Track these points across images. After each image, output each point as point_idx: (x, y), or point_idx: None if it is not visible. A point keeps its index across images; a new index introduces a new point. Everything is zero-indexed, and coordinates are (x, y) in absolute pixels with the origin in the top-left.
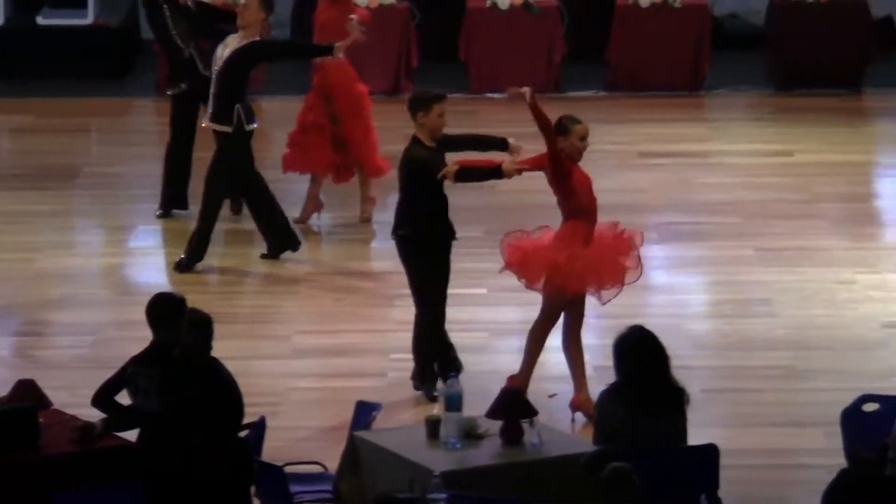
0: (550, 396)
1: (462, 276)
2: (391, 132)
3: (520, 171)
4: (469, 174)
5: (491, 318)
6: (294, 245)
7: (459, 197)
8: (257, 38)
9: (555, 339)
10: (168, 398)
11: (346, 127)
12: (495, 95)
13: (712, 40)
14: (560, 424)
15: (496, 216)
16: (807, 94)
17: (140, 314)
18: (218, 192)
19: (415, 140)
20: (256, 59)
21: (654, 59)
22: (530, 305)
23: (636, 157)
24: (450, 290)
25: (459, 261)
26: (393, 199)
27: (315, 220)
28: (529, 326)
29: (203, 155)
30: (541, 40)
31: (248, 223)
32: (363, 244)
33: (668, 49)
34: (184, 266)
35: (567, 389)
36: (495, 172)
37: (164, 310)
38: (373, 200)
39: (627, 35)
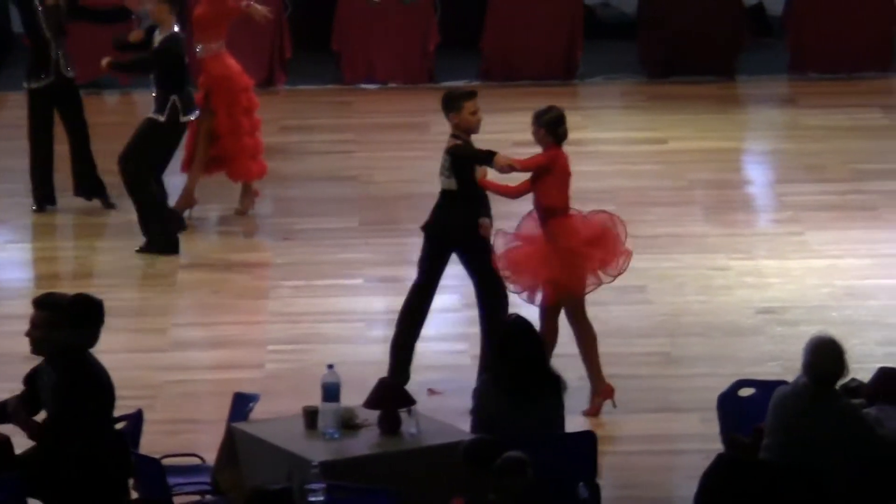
0: (430, 392)
1: (338, 267)
2: (266, 124)
3: (511, 168)
4: (464, 152)
5: (366, 309)
6: (172, 251)
7: (334, 188)
8: (173, 33)
9: (432, 327)
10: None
11: (217, 119)
12: (369, 86)
13: (585, 29)
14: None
15: (370, 206)
16: (680, 81)
17: (7, 309)
18: (139, 171)
19: (453, 138)
20: (172, 56)
21: (528, 48)
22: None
23: (511, 147)
24: (325, 281)
25: (335, 251)
26: (273, 192)
27: (191, 213)
28: None
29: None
30: (414, 30)
31: (126, 215)
32: (240, 237)
33: (541, 38)
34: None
35: (443, 380)
36: (487, 158)
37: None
38: (255, 194)
39: (501, 24)
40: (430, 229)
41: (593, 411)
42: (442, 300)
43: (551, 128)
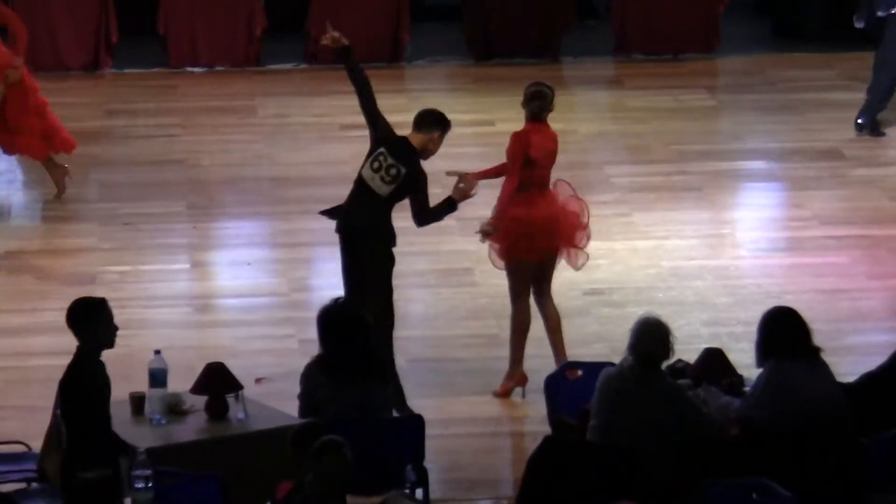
0: (257, 381)
1: (164, 251)
2: (90, 108)
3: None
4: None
5: (193, 293)
6: None
7: (160, 172)
8: None
9: (258, 313)
10: None
11: None
12: (195, 69)
13: (411, 12)
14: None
15: (196, 190)
16: (506, 63)
17: None
18: None
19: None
20: None
21: (354, 30)
22: (236, 280)
23: (337, 130)
24: (152, 266)
25: (161, 236)
26: (98, 176)
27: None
28: (236, 300)
29: None
30: (240, 13)
31: None
32: (64, 222)
33: (367, 21)
34: None
35: (270, 365)
36: (452, 206)
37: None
38: (64, 171)
39: (327, 7)
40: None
41: (502, 391)
42: (269, 285)
43: (524, 104)
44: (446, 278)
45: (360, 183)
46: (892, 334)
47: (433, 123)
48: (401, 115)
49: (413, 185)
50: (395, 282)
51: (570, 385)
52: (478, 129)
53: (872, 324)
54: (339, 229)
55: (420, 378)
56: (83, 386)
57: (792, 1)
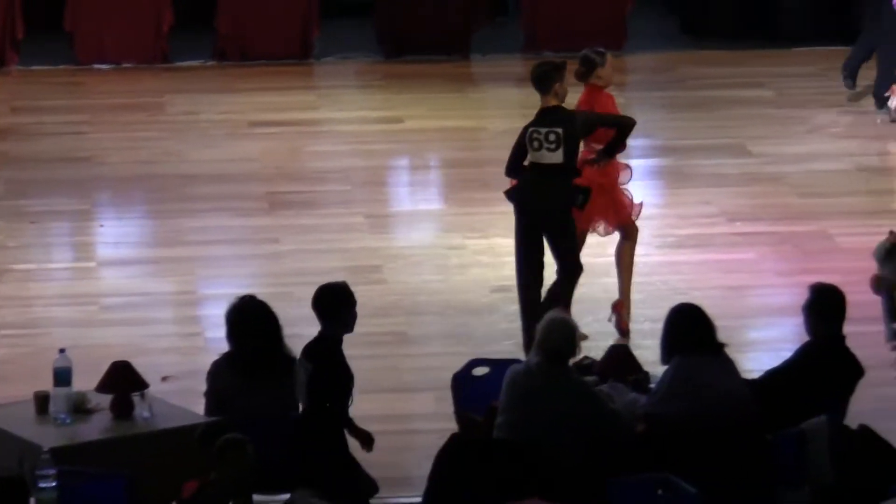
0: (163, 379)
1: (71, 249)
2: None
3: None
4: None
5: (100, 291)
6: None
7: (67, 169)
8: None
9: (165, 311)
10: None
11: None
12: (102, 66)
13: (321, 8)
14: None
15: (104, 187)
16: (416, 60)
17: None
18: None
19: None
20: None
21: (263, 27)
22: (141, 277)
23: (246, 127)
24: (58, 264)
25: (68, 234)
26: (4, 174)
27: None
28: (143, 298)
29: None
30: (148, 10)
31: None
32: None
33: (276, 17)
34: None
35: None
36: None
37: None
38: None
39: (236, 3)
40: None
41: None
42: (176, 282)
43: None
44: (355, 276)
45: (533, 168)
46: (799, 330)
47: (546, 80)
48: (309, 113)
49: (579, 131)
50: (299, 279)
51: (478, 382)
52: (386, 126)
53: (779, 320)
54: (525, 211)
55: None
56: None
57: None
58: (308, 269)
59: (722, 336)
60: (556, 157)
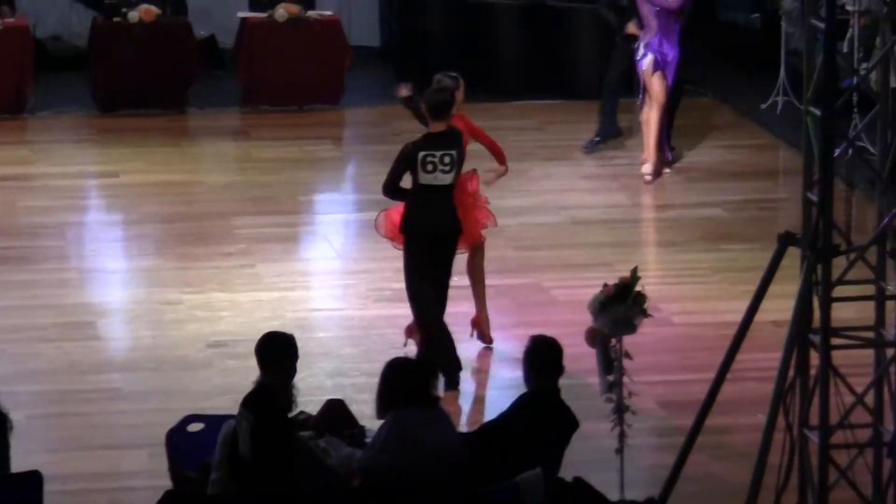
0: None
1: None
2: None
3: None
4: None
5: None
6: None
7: None
8: None
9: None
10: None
11: None
12: None
13: (35, 62)
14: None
15: None
16: (132, 114)
17: None
18: None
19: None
20: None
21: None
22: None
23: None
24: None
25: None
26: None
27: None
28: None
29: None
30: None
31: None
32: None
33: None
34: None
35: None
36: None
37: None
38: None
39: None
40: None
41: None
42: None
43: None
44: (69, 332)
45: (425, 190)
46: (515, 384)
47: (448, 107)
48: (23, 168)
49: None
50: (16, 335)
51: (192, 437)
52: (103, 181)
53: (497, 372)
54: (421, 233)
55: (42, 433)
56: None
57: (413, 51)
58: (22, 325)
59: (434, 390)
60: (449, 178)
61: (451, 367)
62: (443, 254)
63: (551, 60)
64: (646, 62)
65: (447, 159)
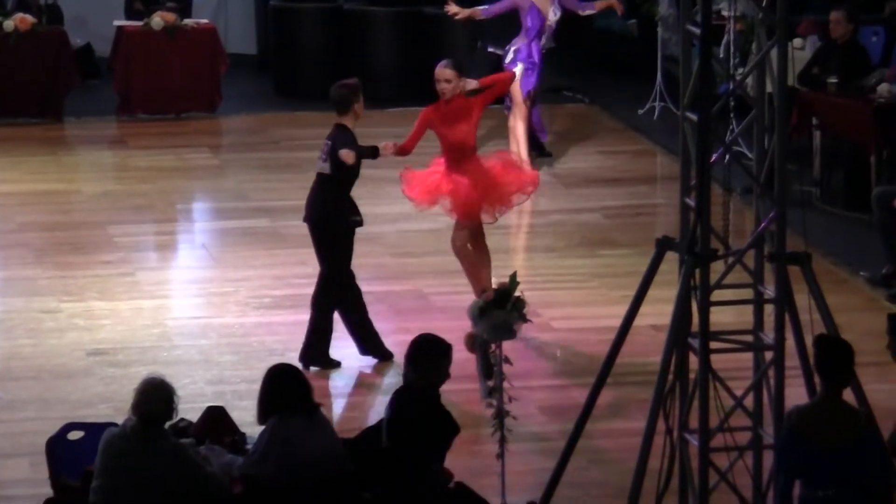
0: None
1: None
2: None
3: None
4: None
5: None
6: None
7: None
8: None
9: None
10: None
11: None
12: None
13: None
14: None
15: None
16: (7, 123)
17: None
18: None
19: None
20: None
21: None
22: None
23: None
24: None
25: None
26: None
27: None
28: None
29: None
30: None
31: None
32: None
33: None
34: None
35: None
36: (374, 153)
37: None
38: None
39: None
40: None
41: None
42: None
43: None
44: None
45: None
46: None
47: (345, 102)
48: None
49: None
50: None
51: (73, 446)
52: None
53: (374, 378)
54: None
55: None
56: None
57: (290, 60)
58: None
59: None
60: (326, 167)
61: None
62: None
63: (426, 67)
64: (517, 71)
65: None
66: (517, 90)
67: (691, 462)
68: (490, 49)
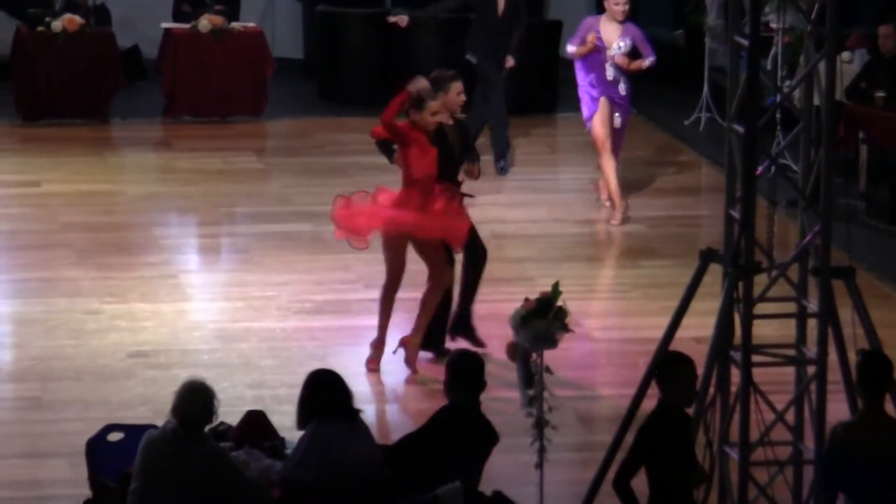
0: None
1: None
2: None
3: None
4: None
5: None
6: None
7: None
8: None
9: None
10: None
11: None
12: None
13: None
14: None
15: None
16: (54, 124)
17: None
18: None
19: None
20: None
21: None
22: None
23: None
24: None
25: None
26: None
27: None
28: None
29: None
30: None
31: None
32: None
33: None
34: None
35: None
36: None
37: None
38: None
39: None
40: None
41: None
42: None
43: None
44: None
45: None
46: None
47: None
48: None
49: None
50: None
51: (112, 447)
52: (24, 190)
53: (418, 387)
54: None
55: None
56: None
57: (336, 65)
58: None
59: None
60: None
61: None
62: None
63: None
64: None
65: None
66: (596, 128)
67: (731, 476)
68: (467, 56)
